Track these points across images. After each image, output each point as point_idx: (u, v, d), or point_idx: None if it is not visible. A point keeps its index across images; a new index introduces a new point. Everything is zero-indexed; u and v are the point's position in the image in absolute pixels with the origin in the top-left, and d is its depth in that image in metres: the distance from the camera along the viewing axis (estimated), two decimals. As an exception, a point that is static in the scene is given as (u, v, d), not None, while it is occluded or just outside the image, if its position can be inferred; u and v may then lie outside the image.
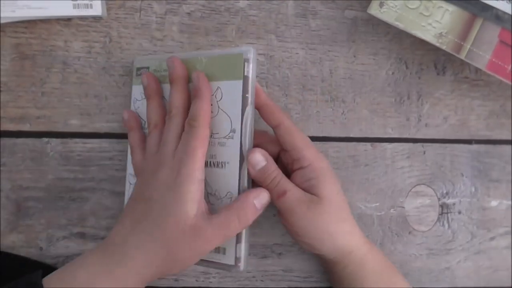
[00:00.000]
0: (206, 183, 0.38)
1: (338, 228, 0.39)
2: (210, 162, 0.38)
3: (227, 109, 0.37)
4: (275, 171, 0.38)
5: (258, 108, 0.39)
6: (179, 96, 0.38)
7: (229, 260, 0.37)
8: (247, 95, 0.37)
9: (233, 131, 0.37)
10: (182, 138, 0.37)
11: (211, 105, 0.38)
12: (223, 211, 0.36)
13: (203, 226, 0.35)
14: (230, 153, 0.37)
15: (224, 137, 0.38)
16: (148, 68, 0.42)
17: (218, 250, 0.38)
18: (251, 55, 0.36)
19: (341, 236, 0.39)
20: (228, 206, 0.36)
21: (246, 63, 0.37)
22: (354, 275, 0.40)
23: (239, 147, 0.37)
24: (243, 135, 0.37)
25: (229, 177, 0.37)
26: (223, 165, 0.38)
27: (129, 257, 0.34)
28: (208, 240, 0.35)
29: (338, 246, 0.39)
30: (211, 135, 0.38)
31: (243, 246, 0.37)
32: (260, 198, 0.37)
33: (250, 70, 0.37)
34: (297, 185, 0.39)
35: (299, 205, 0.38)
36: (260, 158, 0.38)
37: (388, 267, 0.41)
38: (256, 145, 0.39)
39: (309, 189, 0.38)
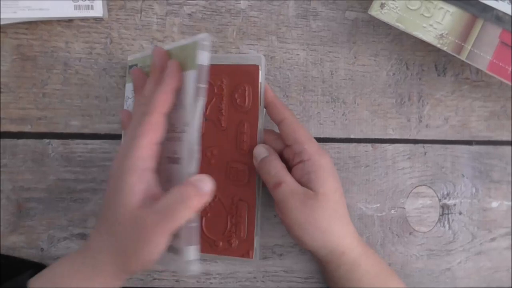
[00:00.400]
0: (169, 181, 0.36)
1: (330, 226, 0.38)
2: (172, 158, 0.36)
3: (184, 101, 0.35)
4: (274, 162, 0.39)
5: (265, 106, 0.41)
6: (150, 87, 0.37)
7: (182, 260, 0.34)
8: (200, 86, 0.34)
9: (186, 124, 0.35)
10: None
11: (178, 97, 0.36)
12: (163, 197, 0.33)
13: (143, 215, 0.32)
14: (183, 148, 0.35)
15: (180, 132, 0.36)
16: (137, 65, 0.42)
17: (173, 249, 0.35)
18: (207, 42, 0.34)
19: (333, 234, 0.39)
20: (169, 191, 0.33)
21: (199, 51, 0.34)
22: (348, 277, 0.40)
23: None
24: (190, 128, 0.34)
25: (182, 174, 0.35)
26: (178, 161, 0.36)
27: (97, 259, 0.33)
28: (150, 229, 0.32)
29: (329, 245, 0.39)
30: (173, 130, 0.36)
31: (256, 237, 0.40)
32: (204, 181, 0.33)
33: (205, 59, 0.34)
34: (297, 179, 0.39)
35: (293, 197, 0.38)
36: (262, 150, 0.40)
37: (383, 270, 0.41)
38: (262, 142, 0.41)
39: (307, 183, 0.38)
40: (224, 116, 0.42)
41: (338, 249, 0.39)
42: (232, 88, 0.41)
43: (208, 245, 0.42)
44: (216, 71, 0.41)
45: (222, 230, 0.42)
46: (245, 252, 0.42)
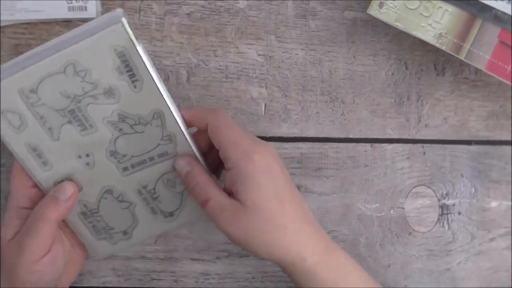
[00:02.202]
0: None
1: (270, 238, 0.35)
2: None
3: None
4: (197, 177, 0.36)
5: (188, 124, 0.38)
6: None
7: None
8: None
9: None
10: None
11: None
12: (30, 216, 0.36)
13: (14, 239, 0.36)
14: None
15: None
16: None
17: None
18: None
19: (274, 246, 0.35)
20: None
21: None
22: (302, 286, 0.37)
23: None
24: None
25: None
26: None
27: None
28: (18, 249, 0.35)
29: (274, 256, 0.36)
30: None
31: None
32: (61, 189, 0.36)
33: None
34: (227, 188, 0.36)
35: (222, 214, 0.35)
36: (183, 164, 0.37)
37: (346, 277, 0.37)
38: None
39: (236, 195, 0.35)
40: None
41: (285, 259, 0.35)
42: None
43: None
44: None
45: None
46: None
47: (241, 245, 0.36)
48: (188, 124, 0.38)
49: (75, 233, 0.40)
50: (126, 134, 0.37)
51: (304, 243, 0.36)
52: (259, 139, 0.37)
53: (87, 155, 0.37)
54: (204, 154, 0.39)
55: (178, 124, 0.37)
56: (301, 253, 0.35)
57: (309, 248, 0.36)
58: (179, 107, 0.37)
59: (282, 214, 0.35)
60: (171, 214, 0.40)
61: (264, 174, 0.35)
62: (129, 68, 0.34)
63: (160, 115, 0.36)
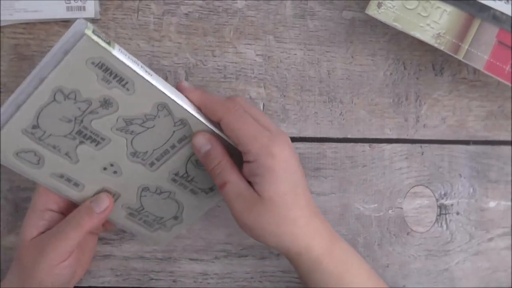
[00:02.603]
0: None
1: (282, 230, 0.36)
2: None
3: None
4: (217, 158, 0.36)
5: (199, 108, 0.38)
6: None
7: None
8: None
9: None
10: None
11: None
12: (62, 221, 0.38)
13: (39, 239, 0.37)
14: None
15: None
16: None
17: None
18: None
19: (284, 238, 0.36)
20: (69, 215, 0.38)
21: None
22: (307, 277, 0.38)
23: None
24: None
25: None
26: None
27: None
28: (43, 249, 0.37)
29: (282, 246, 0.36)
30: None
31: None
32: (98, 201, 0.38)
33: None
34: (246, 177, 0.36)
35: (238, 200, 0.36)
36: (203, 142, 0.37)
37: (350, 269, 0.38)
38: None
39: (254, 186, 0.36)
40: None
41: (292, 250, 0.36)
42: None
43: None
44: None
45: None
46: None
47: (250, 233, 0.37)
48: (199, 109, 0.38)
49: (85, 238, 0.40)
50: (139, 133, 0.37)
51: (312, 235, 0.37)
52: (274, 126, 0.38)
53: (111, 165, 0.38)
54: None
55: (185, 109, 0.36)
56: (309, 245, 0.36)
57: (317, 240, 0.37)
58: (182, 89, 0.38)
59: (296, 207, 0.36)
60: (211, 189, 0.41)
61: (284, 167, 0.35)
62: (114, 74, 0.34)
63: (165, 106, 0.36)
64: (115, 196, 0.39)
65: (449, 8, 0.42)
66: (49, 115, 0.34)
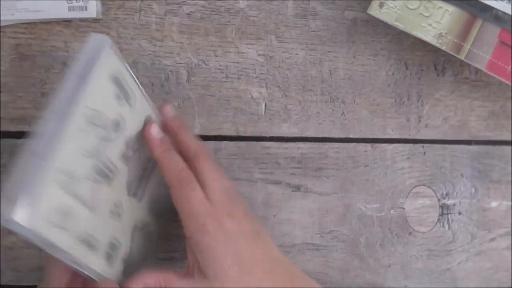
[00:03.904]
0: None
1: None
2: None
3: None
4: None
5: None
6: None
7: None
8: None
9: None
10: None
11: None
12: None
13: None
14: None
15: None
16: None
17: None
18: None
19: None
20: None
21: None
22: None
23: None
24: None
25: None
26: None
27: None
28: None
29: None
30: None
31: None
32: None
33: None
34: (191, 257, 0.35)
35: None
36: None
37: None
38: None
39: (198, 264, 0.34)
40: None
41: None
42: None
43: None
44: None
45: None
46: None
47: None
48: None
49: None
50: (130, 158, 0.33)
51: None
52: (219, 194, 0.35)
53: (116, 205, 0.32)
54: None
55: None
56: None
57: None
58: (164, 113, 0.37)
59: (245, 278, 0.34)
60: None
61: (221, 241, 0.34)
62: (124, 90, 0.31)
63: (150, 119, 0.34)
64: (118, 249, 0.33)
65: (451, 8, 0.42)
66: (75, 152, 0.27)
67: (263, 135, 0.46)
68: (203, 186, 0.35)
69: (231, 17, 0.45)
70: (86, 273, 0.30)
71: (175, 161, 0.35)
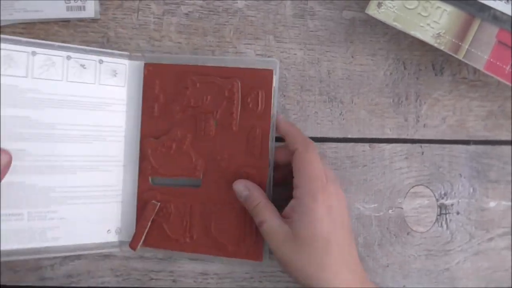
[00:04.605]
0: None
1: (311, 273, 0.37)
2: None
3: None
4: (256, 200, 0.40)
5: (280, 134, 0.42)
6: None
7: None
8: None
9: None
10: None
11: None
12: None
13: None
14: None
15: None
16: None
17: None
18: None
19: (319, 281, 0.37)
20: None
21: None
22: None
23: None
24: None
25: None
26: None
27: None
28: None
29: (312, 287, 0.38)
30: None
31: None
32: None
33: None
34: (287, 211, 0.39)
35: (273, 237, 0.38)
36: (241, 188, 0.41)
37: None
38: (273, 147, 0.42)
39: (292, 223, 0.38)
40: (235, 120, 0.42)
41: None
42: (245, 92, 0.42)
43: (217, 249, 0.42)
44: (228, 74, 0.42)
45: (233, 233, 0.42)
46: (255, 255, 0.42)
47: (284, 269, 0.39)
48: (279, 133, 0.42)
49: None
50: None
51: (346, 281, 0.37)
52: (334, 176, 0.40)
53: None
54: (279, 166, 0.42)
55: None
56: None
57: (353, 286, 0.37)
58: (278, 121, 0.42)
59: (326, 254, 0.37)
60: None
61: (322, 214, 0.37)
62: None
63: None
64: None
65: (449, 8, 0.42)
66: None
67: (261, 135, 0.46)
68: None
69: (229, 17, 0.45)
70: None
71: (300, 131, 0.42)
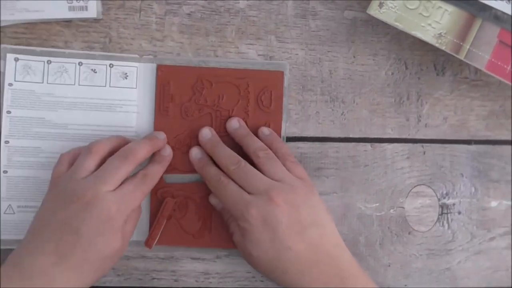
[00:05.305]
0: None
1: (279, 277, 0.38)
2: None
3: None
4: (227, 214, 0.42)
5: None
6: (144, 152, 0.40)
7: None
8: None
9: None
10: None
11: None
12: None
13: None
14: None
15: None
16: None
17: None
18: None
19: (289, 284, 0.38)
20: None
21: None
22: None
23: None
24: None
25: None
26: None
27: None
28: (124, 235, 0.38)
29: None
30: None
31: None
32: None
33: None
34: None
35: (239, 248, 0.40)
36: (215, 202, 0.43)
37: None
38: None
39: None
40: (249, 117, 0.44)
41: None
42: (258, 91, 0.44)
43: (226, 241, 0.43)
44: (241, 75, 0.44)
45: None
46: None
47: None
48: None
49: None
50: None
51: (312, 282, 0.38)
52: (265, 182, 0.39)
53: None
54: None
55: None
56: None
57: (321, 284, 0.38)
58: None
59: (283, 261, 0.38)
60: None
61: (258, 229, 0.38)
62: None
63: None
64: None
65: (450, 8, 0.42)
66: None
67: (263, 134, 0.46)
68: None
69: (231, 17, 0.45)
70: None
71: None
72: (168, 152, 0.42)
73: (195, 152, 0.43)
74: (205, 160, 0.42)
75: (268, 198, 0.38)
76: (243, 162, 0.40)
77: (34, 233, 0.36)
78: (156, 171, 0.41)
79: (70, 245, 0.35)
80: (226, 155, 0.41)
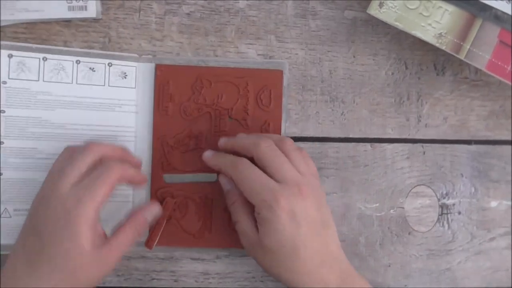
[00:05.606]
0: None
1: (284, 275, 0.38)
2: None
3: None
4: (232, 199, 0.41)
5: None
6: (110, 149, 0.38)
7: None
8: None
9: None
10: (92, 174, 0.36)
11: None
12: (119, 231, 0.37)
13: (100, 253, 0.35)
14: None
15: None
16: None
17: None
18: None
19: (290, 283, 0.37)
20: (123, 225, 0.37)
21: None
22: None
23: None
24: None
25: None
26: None
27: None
28: (109, 263, 0.36)
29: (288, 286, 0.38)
30: None
31: None
32: (151, 211, 0.40)
33: None
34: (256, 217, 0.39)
35: (244, 238, 0.39)
36: (225, 181, 0.42)
37: None
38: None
39: (258, 230, 0.38)
40: (249, 116, 0.44)
41: None
42: (257, 90, 0.44)
43: (236, 241, 0.42)
44: (240, 74, 0.44)
45: None
46: None
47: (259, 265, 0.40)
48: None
49: None
50: None
51: (318, 282, 0.37)
52: (293, 174, 0.38)
53: None
54: None
55: None
56: None
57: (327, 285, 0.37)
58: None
59: (293, 259, 0.37)
60: None
61: (283, 222, 0.36)
62: None
63: None
64: None
65: (450, 7, 0.42)
66: None
67: (263, 134, 0.46)
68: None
69: (231, 17, 0.45)
70: None
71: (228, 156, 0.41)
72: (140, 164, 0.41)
73: (208, 152, 0.42)
74: (222, 153, 0.41)
75: (298, 190, 0.37)
76: (274, 145, 0.39)
77: (17, 239, 0.36)
78: (122, 166, 0.37)
79: (34, 245, 0.34)
80: (251, 139, 0.39)
